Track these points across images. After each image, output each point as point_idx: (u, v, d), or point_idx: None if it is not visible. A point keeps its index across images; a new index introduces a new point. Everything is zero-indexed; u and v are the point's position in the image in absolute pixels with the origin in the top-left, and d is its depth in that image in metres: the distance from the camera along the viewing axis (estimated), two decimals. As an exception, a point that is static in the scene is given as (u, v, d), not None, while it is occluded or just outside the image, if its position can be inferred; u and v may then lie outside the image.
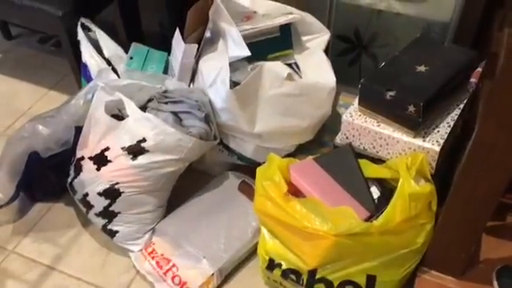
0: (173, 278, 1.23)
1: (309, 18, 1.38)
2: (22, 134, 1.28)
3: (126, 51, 1.51)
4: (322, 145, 1.44)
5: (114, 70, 1.48)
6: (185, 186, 1.39)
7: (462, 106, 1.24)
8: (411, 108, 1.11)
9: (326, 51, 1.47)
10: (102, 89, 1.27)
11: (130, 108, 1.23)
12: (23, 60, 2.04)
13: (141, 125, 1.22)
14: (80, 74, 1.60)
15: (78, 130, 1.32)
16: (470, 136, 1.13)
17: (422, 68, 1.19)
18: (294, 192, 1.18)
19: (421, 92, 1.12)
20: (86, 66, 1.52)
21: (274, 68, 1.23)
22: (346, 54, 1.63)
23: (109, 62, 1.50)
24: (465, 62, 1.21)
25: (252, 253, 1.31)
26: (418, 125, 1.14)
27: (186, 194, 1.41)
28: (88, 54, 1.50)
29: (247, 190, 1.39)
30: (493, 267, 1.13)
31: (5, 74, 1.98)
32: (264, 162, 1.22)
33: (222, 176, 1.45)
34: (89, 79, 1.50)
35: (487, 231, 1.21)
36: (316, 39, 1.41)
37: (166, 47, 1.48)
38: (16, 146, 1.32)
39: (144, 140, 1.21)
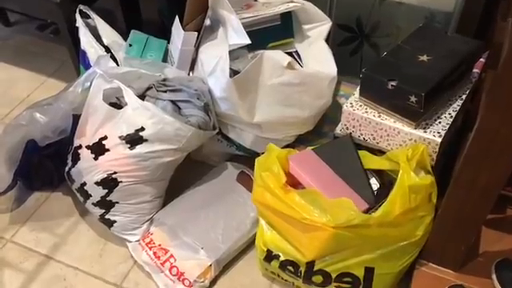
0: (170, 269, 1.22)
1: (310, 6, 1.36)
2: (20, 121, 1.27)
3: (125, 39, 1.49)
4: (322, 135, 1.43)
5: (113, 58, 1.46)
6: (183, 176, 1.38)
7: (464, 96, 1.22)
8: (413, 98, 1.10)
9: (328, 40, 1.45)
10: (101, 76, 1.25)
11: (129, 96, 1.22)
12: (22, 47, 2.02)
13: (139, 113, 1.20)
14: (78, 61, 1.58)
15: (76, 118, 1.31)
16: (472, 127, 1.11)
17: (424, 58, 1.17)
18: (293, 183, 1.17)
19: (423, 82, 1.10)
20: (84, 53, 1.50)
21: (274, 56, 1.21)
22: (348, 43, 1.61)
23: (107, 50, 1.48)
24: (468, 52, 1.19)
25: (250, 243, 1.30)
26: (420, 115, 1.12)
27: (184, 184, 1.40)
28: (86, 42, 1.48)
29: (246, 181, 1.38)
30: (492, 260, 1.13)
31: (3, 61, 1.96)
32: (263, 153, 1.21)
33: (221, 166, 1.44)
34: (87, 66, 1.48)
35: (487, 224, 1.20)
36: (317, 28, 1.39)
37: (166, 35, 1.46)
38: (13, 134, 1.31)
39: (142, 129, 1.20)
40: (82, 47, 1.49)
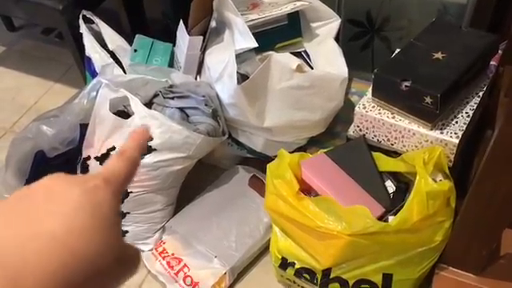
0: (184, 279, 1.21)
1: (317, 4, 1.31)
2: (27, 134, 1.25)
3: (131, 41, 1.46)
4: (334, 136, 1.40)
5: (119, 63, 1.44)
6: (194, 180, 1.36)
7: (481, 93, 1.17)
8: (428, 99, 1.06)
9: (337, 36, 1.40)
10: (106, 86, 1.23)
11: (136, 105, 1.20)
12: (27, 53, 2.00)
13: (147, 122, 1.18)
14: (84, 67, 1.56)
15: (84, 127, 1.29)
16: (490, 123, 1.07)
17: (438, 55, 1.13)
18: (307, 189, 1.14)
19: (438, 82, 1.06)
20: (89, 59, 1.48)
21: (282, 60, 1.18)
22: (358, 38, 1.57)
23: (113, 55, 1.46)
24: (484, 48, 1.14)
25: (264, 249, 1.28)
26: (435, 117, 1.08)
27: (195, 189, 1.37)
28: (91, 48, 1.46)
29: (258, 185, 1.35)
30: (514, 262, 1.09)
31: (9, 67, 1.95)
32: (275, 156, 1.18)
33: (232, 170, 1.42)
34: (93, 73, 1.46)
35: (508, 224, 1.16)
36: (326, 26, 1.35)
37: (171, 37, 1.43)
38: (21, 146, 1.29)
39: (150, 138, 1.18)
40: (87, 53, 1.47)
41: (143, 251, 1.30)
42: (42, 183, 0.30)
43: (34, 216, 0.28)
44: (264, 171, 1.17)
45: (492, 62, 1.23)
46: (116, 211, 0.30)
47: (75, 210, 0.28)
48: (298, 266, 1.14)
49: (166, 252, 1.26)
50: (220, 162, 1.47)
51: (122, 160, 0.33)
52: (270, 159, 1.19)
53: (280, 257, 1.17)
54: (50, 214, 0.28)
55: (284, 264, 1.16)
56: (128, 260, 0.31)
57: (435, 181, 1.07)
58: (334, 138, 1.39)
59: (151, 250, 1.29)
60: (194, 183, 1.37)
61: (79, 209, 0.28)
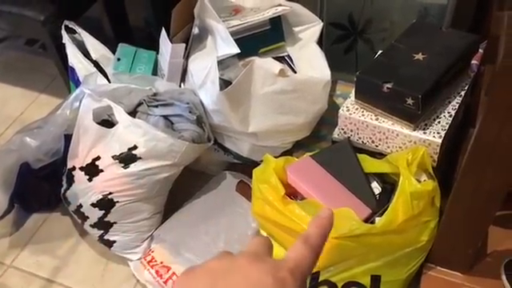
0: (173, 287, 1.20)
1: (299, 8, 1.32)
2: (10, 147, 1.24)
3: (114, 51, 1.46)
4: (320, 138, 1.40)
5: (103, 72, 1.44)
6: (181, 187, 1.36)
7: (462, 92, 1.18)
8: (409, 100, 1.06)
9: (321, 40, 1.41)
10: (89, 96, 1.22)
11: (119, 114, 1.19)
12: (11, 64, 1.99)
13: (131, 131, 1.18)
14: (68, 77, 1.55)
15: (69, 137, 1.28)
16: (472, 121, 1.08)
17: (419, 56, 1.14)
18: (293, 193, 1.14)
19: (419, 83, 1.07)
20: (73, 69, 1.47)
21: (264, 65, 1.18)
22: (341, 41, 1.58)
23: (96, 64, 1.46)
24: (464, 48, 1.15)
25: (253, 255, 1.28)
26: (418, 117, 1.09)
27: (182, 196, 1.37)
28: (74, 58, 1.45)
29: (245, 191, 1.35)
30: (501, 260, 1.10)
31: (-6, 79, 1.94)
32: (261, 161, 1.18)
33: (219, 176, 1.41)
34: (77, 83, 1.45)
35: (494, 221, 1.17)
36: (308, 30, 1.35)
37: (155, 45, 1.43)
38: (5, 158, 1.28)
39: (135, 147, 1.17)
40: (70, 63, 1.46)
41: (131, 260, 1.29)
42: (241, 263, 0.34)
43: None
44: (251, 176, 1.17)
45: (474, 61, 1.24)
46: None
47: None
48: (286, 270, 1.14)
49: (155, 260, 1.25)
50: (207, 168, 1.47)
51: (306, 248, 0.35)
52: (256, 164, 1.19)
53: (268, 262, 1.17)
54: None
55: (273, 269, 1.16)
56: None
57: (419, 181, 1.07)
58: (320, 140, 1.40)
59: (139, 259, 1.28)
60: (181, 190, 1.37)
61: None
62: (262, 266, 0.33)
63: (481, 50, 1.25)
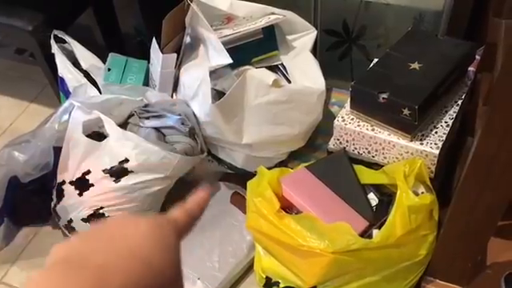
0: (167, 303, 1.18)
1: (292, 16, 1.29)
2: (-2, 161, 1.21)
3: (106, 57, 1.43)
4: (316, 148, 1.38)
5: (94, 82, 1.41)
6: (174, 198, 1.33)
7: (459, 101, 1.16)
8: (406, 111, 1.04)
9: (315, 47, 1.39)
10: (79, 108, 1.19)
11: (110, 127, 1.17)
12: (1, 73, 1.95)
13: (122, 145, 1.15)
14: (58, 87, 1.52)
15: (58, 150, 1.25)
16: (470, 130, 1.06)
17: (415, 65, 1.12)
18: (288, 205, 1.12)
19: (415, 93, 1.05)
20: (62, 79, 1.44)
21: (257, 76, 1.16)
22: (336, 48, 1.55)
23: (87, 74, 1.43)
24: (461, 56, 1.13)
25: (249, 268, 1.25)
26: (414, 128, 1.07)
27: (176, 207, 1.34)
28: (64, 68, 1.42)
29: (240, 202, 1.32)
30: (501, 272, 1.08)
31: (-17, 89, 1.90)
32: (256, 171, 1.16)
33: (214, 187, 1.39)
34: (67, 93, 1.43)
35: (494, 233, 1.15)
36: (302, 38, 1.33)
37: (147, 54, 1.40)
38: (-6, 172, 1.26)
39: (126, 160, 1.15)
40: (60, 74, 1.43)
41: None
42: (113, 219, 0.37)
43: (112, 237, 0.34)
44: (246, 187, 1.15)
45: (470, 68, 1.22)
46: (177, 246, 0.37)
47: (146, 235, 0.35)
48: (282, 285, 1.12)
49: (148, 276, 1.22)
50: (201, 179, 1.44)
51: (184, 213, 0.41)
52: (251, 174, 1.17)
53: (264, 276, 1.14)
54: (125, 236, 0.34)
55: (268, 284, 1.14)
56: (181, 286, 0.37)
57: (417, 193, 1.05)
58: (316, 150, 1.38)
59: (132, 274, 1.25)
60: (174, 201, 1.33)
61: (149, 235, 0.35)
62: (136, 216, 0.37)
63: (477, 57, 1.23)
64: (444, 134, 1.09)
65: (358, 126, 1.14)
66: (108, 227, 0.36)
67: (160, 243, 0.35)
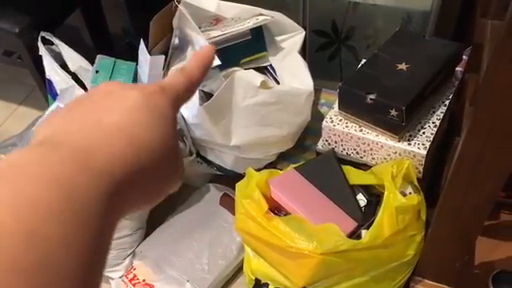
0: (156, 306, 1.17)
1: (281, 17, 1.29)
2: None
3: (94, 59, 1.42)
4: (305, 149, 1.38)
5: (82, 85, 1.40)
6: (164, 200, 1.31)
7: (447, 102, 1.17)
8: (393, 112, 1.05)
9: (304, 47, 1.39)
10: (66, 110, 1.18)
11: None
12: (-11, 75, 1.94)
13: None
14: (46, 89, 1.51)
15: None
16: (458, 130, 1.06)
17: (403, 66, 1.12)
18: (277, 207, 1.12)
19: (402, 94, 1.05)
20: (50, 81, 1.43)
21: (245, 77, 1.15)
22: (325, 48, 1.55)
23: (75, 76, 1.42)
24: (448, 56, 1.14)
25: (238, 270, 1.26)
26: (402, 129, 1.07)
27: (166, 209, 1.34)
28: (51, 70, 1.41)
29: (229, 204, 1.32)
30: (488, 271, 1.08)
31: (-29, 91, 1.89)
32: (245, 173, 1.15)
33: (203, 189, 1.39)
34: (55, 96, 1.42)
35: (481, 232, 1.16)
36: (291, 39, 1.33)
37: (135, 55, 1.40)
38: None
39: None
40: (48, 76, 1.42)
41: (113, 279, 1.26)
42: (99, 87, 0.33)
43: (95, 111, 0.30)
44: (235, 188, 1.15)
45: (458, 68, 1.22)
46: (173, 117, 0.32)
47: (134, 108, 0.30)
48: (271, 286, 1.12)
49: (137, 278, 1.22)
50: (191, 181, 1.44)
51: (181, 75, 0.35)
52: (241, 176, 1.16)
53: (253, 278, 1.14)
54: (110, 109, 0.30)
55: (258, 285, 1.14)
56: (178, 164, 0.33)
57: (405, 194, 1.05)
58: (305, 151, 1.38)
59: (121, 277, 1.25)
60: (164, 203, 1.33)
61: (138, 107, 0.31)
62: (125, 84, 0.33)
63: (465, 57, 1.23)
64: (431, 134, 1.10)
65: (347, 126, 1.14)
66: (94, 100, 0.32)
67: (151, 117, 0.31)
